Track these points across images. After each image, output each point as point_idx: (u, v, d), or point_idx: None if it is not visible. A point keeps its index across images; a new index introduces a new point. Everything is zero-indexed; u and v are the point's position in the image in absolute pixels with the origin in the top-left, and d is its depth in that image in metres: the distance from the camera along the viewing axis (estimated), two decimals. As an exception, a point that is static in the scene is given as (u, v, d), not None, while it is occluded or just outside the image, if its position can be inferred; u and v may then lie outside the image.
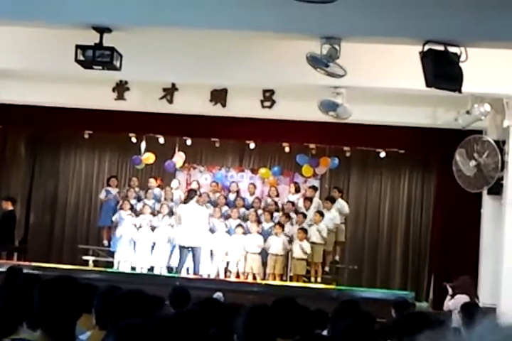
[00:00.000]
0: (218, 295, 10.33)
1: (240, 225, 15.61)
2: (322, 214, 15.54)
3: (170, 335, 3.02)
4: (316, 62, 9.80)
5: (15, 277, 7.46)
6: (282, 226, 15.41)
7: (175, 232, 15.39)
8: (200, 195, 15.99)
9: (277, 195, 16.77)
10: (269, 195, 16.87)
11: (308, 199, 16.19)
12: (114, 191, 17.05)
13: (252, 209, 16.22)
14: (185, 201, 15.46)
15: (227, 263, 15.55)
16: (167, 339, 2.94)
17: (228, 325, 4.66)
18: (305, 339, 4.07)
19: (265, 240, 15.42)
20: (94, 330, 4.44)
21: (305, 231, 15.24)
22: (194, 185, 16.93)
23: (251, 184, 17.27)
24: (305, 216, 15.66)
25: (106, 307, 4.21)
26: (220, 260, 15.52)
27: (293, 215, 15.89)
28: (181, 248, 15.13)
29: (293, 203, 16.20)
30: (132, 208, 16.30)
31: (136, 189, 17.04)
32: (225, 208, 16.33)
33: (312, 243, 15.29)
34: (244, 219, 16.06)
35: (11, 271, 9.24)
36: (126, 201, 16.37)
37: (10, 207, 16.26)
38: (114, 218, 16.28)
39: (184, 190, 17.07)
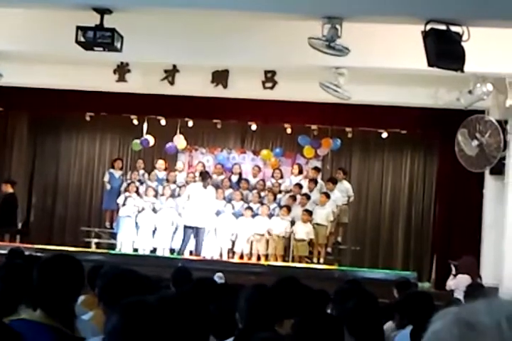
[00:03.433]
0: (219, 275, 10.35)
1: (249, 208, 15.62)
2: (328, 196, 15.53)
3: (173, 313, 3.03)
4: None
5: (15, 259, 7.47)
6: (289, 208, 15.43)
7: (178, 214, 15.47)
8: (209, 176, 15.94)
9: (280, 177, 16.74)
10: (272, 176, 16.84)
11: (313, 181, 16.18)
12: (117, 174, 17.05)
13: (254, 191, 16.23)
14: (202, 183, 15.38)
15: (233, 244, 15.57)
16: (170, 317, 2.94)
17: (230, 304, 4.67)
18: (307, 317, 4.08)
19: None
20: (97, 310, 4.45)
21: (310, 212, 15.26)
22: (200, 167, 16.91)
23: (256, 166, 17.22)
24: (309, 197, 15.68)
25: (107, 287, 4.22)
26: (225, 241, 15.54)
27: (298, 197, 15.90)
28: (186, 228, 15.17)
29: (300, 185, 16.18)
30: (137, 190, 16.32)
31: (141, 171, 17.04)
32: (229, 190, 16.32)
33: (316, 224, 15.31)
34: (248, 201, 16.07)
35: (11, 254, 9.25)
36: (132, 183, 16.37)
37: (10, 190, 16.26)
38: (119, 200, 16.28)
39: (187, 171, 17.09)
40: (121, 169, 17.21)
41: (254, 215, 15.58)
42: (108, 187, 16.99)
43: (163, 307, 2.98)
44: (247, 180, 16.61)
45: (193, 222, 15.02)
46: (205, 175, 15.59)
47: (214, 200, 15.47)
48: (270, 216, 15.58)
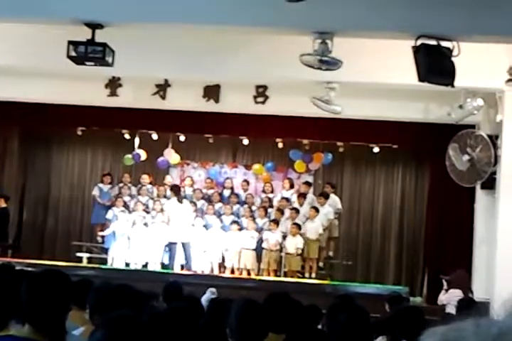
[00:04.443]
0: (211, 290, 10.31)
1: (235, 222, 15.62)
2: (317, 210, 15.53)
3: (160, 328, 3.02)
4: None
5: (6, 274, 7.43)
6: (277, 222, 15.40)
7: (166, 229, 15.46)
8: (180, 190, 16.01)
9: (271, 191, 16.75)
10: (263, 191, 16.85)
11: (302, 196, 16.18)
12: (105, 188, 17.02)
13: (245, 206, 16.22)
14: (177, 198, 15.50)
15: (223, 259, 15.54)
16: (157, 332, 2.93)
17: (220, 319, 4.65)
18: (297, 333, 4.07)
19: (260, 236, 15.44)
20: (88, 326, 4.43)
21: (298, 226, 15.25)
22: (188, 182, 16.95)
23: (244, 181, 17.23)
24: (298, 211, 15.67)
25: (98, 302, 4.20)
26: (214, 256, 15.51)
27: (287, 211, 15.89)
28: (170, 244, 15.20)
29: (287, 199, 16.18)
30: (125, 205, 16.29)
31: (129, 185, 17.02)
32: (219, 205, 16.32)
33: (307, 239, 15.29)
34: (238, 215, 16.06)
35: (2, 269, 9.20)
36: (119, 198, 16.36)
37: (3, 205, 16.22)
38: (108, 216, 16.24)
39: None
40: (110, 184, 17.18)
41: (241, 229, 15.57)
42: (98, 199, 16.95)
43: (153, 323, 2.97)
44: (236, 195, 16.61)
45: (175, 238, 15.08)
46: (176, 190, 15.69)
47: (191, 213, 15.47)
48: (258, 230, 15.55)
